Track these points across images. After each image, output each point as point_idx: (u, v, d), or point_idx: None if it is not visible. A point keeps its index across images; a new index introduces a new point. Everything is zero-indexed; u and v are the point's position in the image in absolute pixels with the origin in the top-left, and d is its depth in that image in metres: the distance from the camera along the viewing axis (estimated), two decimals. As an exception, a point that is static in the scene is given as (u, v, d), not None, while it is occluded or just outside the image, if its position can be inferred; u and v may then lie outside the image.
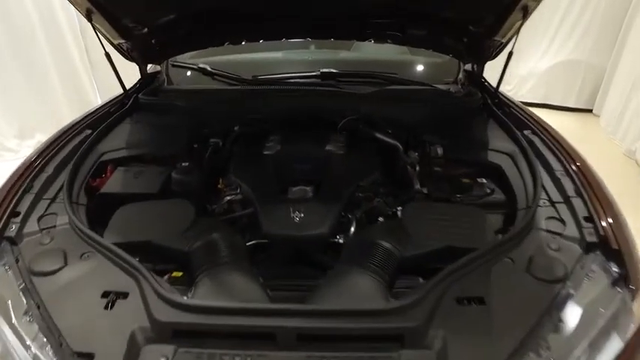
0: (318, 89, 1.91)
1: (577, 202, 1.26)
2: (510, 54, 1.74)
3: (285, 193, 1.42)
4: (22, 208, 1.27)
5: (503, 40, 1.77)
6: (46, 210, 1.29)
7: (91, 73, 4.63)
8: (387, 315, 0.95)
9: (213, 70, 2.03)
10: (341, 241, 1.34)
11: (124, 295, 1.03)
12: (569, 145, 1.49)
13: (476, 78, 2.05)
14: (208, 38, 1.91)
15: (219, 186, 1.57)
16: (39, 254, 1.14)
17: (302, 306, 0.99)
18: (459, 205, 1.41)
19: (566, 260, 1.12)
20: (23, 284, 1.07)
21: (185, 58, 2.20)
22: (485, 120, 1.81)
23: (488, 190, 1.43)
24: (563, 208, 1.27)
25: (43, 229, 1.23)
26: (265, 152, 1.62)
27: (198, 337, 0.96)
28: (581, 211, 1.23)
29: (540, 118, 1.71)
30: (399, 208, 1.38)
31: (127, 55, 1.92)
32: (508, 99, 1.92)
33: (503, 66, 1.79)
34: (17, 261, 1.13)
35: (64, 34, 4.27)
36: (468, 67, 2.15)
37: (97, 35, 1.72)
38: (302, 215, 1.28)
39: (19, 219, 1.24)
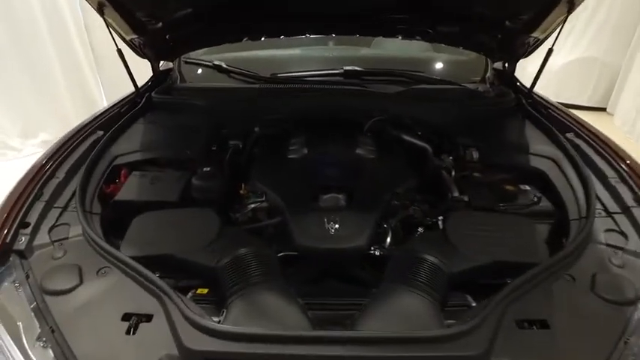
0: (343, 88, 1.81)
1: (638, 213, 1.16)
2: (550, 51, 1.64)
3: (315, 201, 1.31)
4: (32, 218, 1.17)
5: (541, 37, 1.67)
6: (57, 220, 1.19)
7: (95, 70, 4.51)
8: (444, 342, 0.85)
9: (230, 68, 1.92)
10: (377, 253, 1.23)
11: (148, 318, 0.93)
12: (621, 150, 1.38)
13: (506, 77, 1.94)
14: (226, 34, 1.79)
15: (241, 192, 1.47)
16: (51, 270, 1.04)
17: (348, 333, 0.89)
18: (505, 215, 1.30)
19: (633, 278, 1.02)
20: (35, 304, 0.97)
21: (197, 54, 2.09)
22: (521, 121, 1.71)
23: (535, 199, 1.32)
24: (622, 219, 1.17)
25: (55, 241, 1.13)
26: (290, 156, 1.51)
27: None
28: None
29: (584, 120, 1.60)
30: (440, 217, 1.28)
31: (139, 52, 1.81)
32: (544, 99, 1.81)
33: (540, 64, 1.68)
34: (27, 277, 1.03)
35: (68, 30, 4.14)
36: (497, 65, 2.04)
37: (109, 31, 1.61)
38: (337, 226, 1.18)
39: (28, 230, 1.14)
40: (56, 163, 1.35)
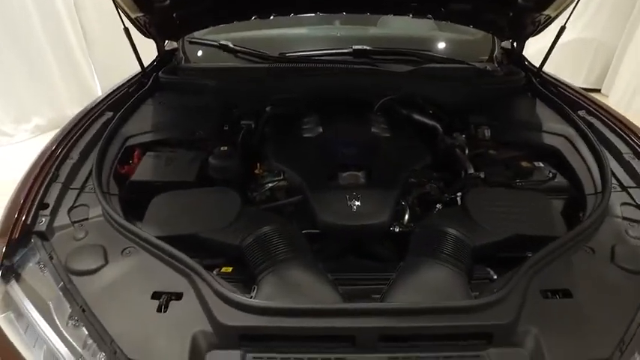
0: (354, 67, 1.79)
1: None
2: (562, 28, 1.64)
3: (334, 179, 1.31)
4: (50, 199, 1.15)
5: (553, 14, 1.66)
6: (75, 201, 1.18)
7: (87, 53, 4.41)
8: (474, 311, 0.87)
9: (237, 47, 1.89)
10: (396, 229, 1.24)
11: (178, 296, 0.93)
12: (635, 126, 1.40)
13: (515, 56, 1.94)
14: (234, 12, 1.75)
15: (256, 172, 1.46)
16: (76, 251, 1.03)
17: (383, 304, 0.91)
18: (522, 191, 1.32)
19: None
20: (62, 284, 0.97)
21: (200, 34, 2.05)
22: (532, 100, 1.72)
23: (550, 175, 1.34)
24: (638, 194, 1.20)
25: (75, 222, 1.12)
26: (306, 135, 1.51)
27: (266, 341, 0.87)
28: None
29: (595, 98, 1.62)
30: (459, 194, 1.29)
31: (144, 31, 1.77)
32: (554, 78, 1.82)
33: (552, 42, 1.69)
34: (51, 258, 1.03)
35: (59, 13, 4.03)
36: (504, 44, 2.04)
37: (117, 9, 1.56)
38: (358, 203, 1.18)
39: (48, 211, 1.12)
40: (70, 144, 1.33)
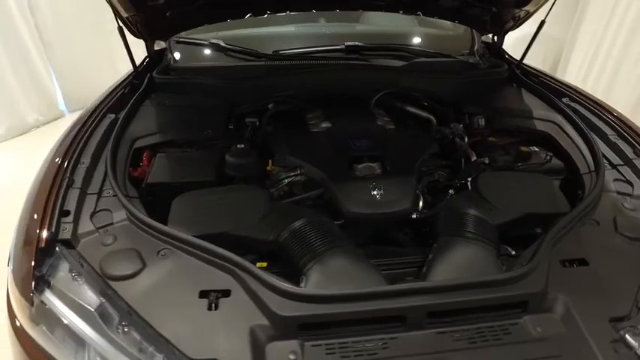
0: (350, 63, 1.84)
1: (639, 163, 1.32)
2: (542, 23, 1.76)
3: (351, 171, 1.35)
4: (70, 206, 1.11)
5: (532, 10, 1.79)
6: (95, 206, 1.14)
7: (44, 55, 4.17)
8: (511, 283, 0.94)
9: (231, 46, 1.88)
10: (413, 216, 1.30)
11: (226, 293, 0.94)
12: (615, 110, 1.54)
13: (495, 49, 2.07)
14: (229, 10, 1.75)
15: (268, 168, 1.47)
16: (109, 257, 1.00)
17: (431, 283, 0.96)
18: (525, 173, 1.42)
19: None
20: (103, 291, 0.94)
21: (185, 34, 2.01)
22: (517, 90, 1.84)
23: (548, 158, 1.45)
24: (626, 170, 1.32)
25: (100, 227, 1.09)
26: (314, 130, 1.54)
27: (322, 328, 0.90)
28: None
29: (575, 86, 1.76)
30: (469, 179, 1.37)
31: (135, 31, 1.73)
32: (534, 69, 1.95)
33: (532, 35, 1.81)
34: (82, 266, 1.00)
35: (13, 15, 3.79)
36: (483, 38, 2.16)
37: (112, 7, 1.52)
38: (382, 192, 1.23)
39: (70, 218, 1.08)
40: (79, 148, 1.28)
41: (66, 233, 1.05)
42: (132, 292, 0.94)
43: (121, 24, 1.62)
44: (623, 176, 1.31)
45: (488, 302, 0.92)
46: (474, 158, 1.49)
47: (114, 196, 1.17)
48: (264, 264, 1.13)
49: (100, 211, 1.14)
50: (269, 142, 1.57)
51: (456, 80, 1.83)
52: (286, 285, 0.91)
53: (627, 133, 1.43)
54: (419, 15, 1.90)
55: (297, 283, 0.98)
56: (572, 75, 4.92)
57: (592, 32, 4.64)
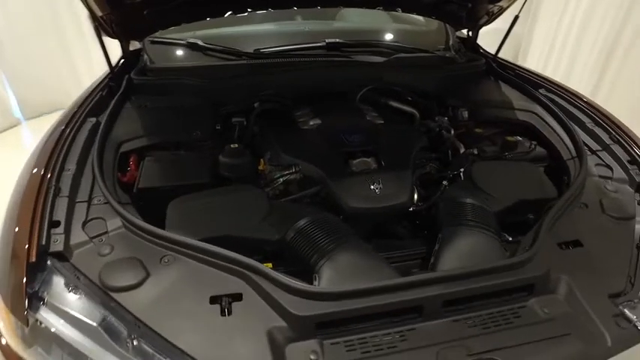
0: (333, 60, 1.84)
1: (616, 149, 1.40)
2: (516, 18, 1.83)
3: (347, 166, 1.35)
4: (59, 216, 1.05)
5: (505, 5, 1.86)
6: (87, 215, 1.09)
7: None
8: (518, 267, 0.97)
9: (210, 45, 1.83)
10: (410, 208, 1.32)
11: (237, 297, 0.92)
12: (589, 99, 1.62)
13: (470, 44, 2.13)
14: (208, 7, 1.70)
15: (260, 167, 1.45)
16: (108, 267, 0.95)
17: (444, 272, 0.97)
18: (514, 162, 1.47)
19: (626, 199, 1.25)
20: (106, 304, 0.90)
21: (161, 34, 1.95)
22: (496, 82, 1.90)
23: (532, 146, 1.51)
24: (605, 155, 1.40)
25: (94, 237, 1.03)
26: (305, 127, 1.53)
27: (340, 325, 0.89)
28: (623, 156, 1.37)
29: (550, 77, 1.84)
30: (461, 170, 1.40)
31: (110, 30, 1.65)
32: (508, 62, 2.03)
33: (507, 30, 1.88)
34: (78, 279, 0.94)
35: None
36: (457, 33, 2.22)
37: (87, 6, 1.44)
38: (380, 186, 1.24)
39: (60, 229, 1.02)
40: (62, 154, 1.21)
41: (57, 245, 0.99)
42: (137, 303, 0.90)
43: (95, 24, 1.54)
44: (603, 161, 1.39)
45: (499, 287, 0.95)
46: (462, 150, 1.53)
47: (105, 203, 1.11)
48: (270, 264, 1.11)
49: (93, 219, 1.08)
50: (257, 142, 1.55)
51: (437, 74, 1.87)
52: (301, 284, 0.90)
53: (602, 120, 1.51)
54: (398, 11, 1.92)
55: (308, 282, 0.97)
56: (532, 66, 5.16)
57: (547, 27, 4.87)
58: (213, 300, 0.91)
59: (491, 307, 0.95)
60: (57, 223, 1.03)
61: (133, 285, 0.92)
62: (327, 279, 0.98)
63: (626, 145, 1.39)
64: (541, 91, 1.75)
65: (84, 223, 1.06)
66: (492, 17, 1.95)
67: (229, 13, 1.74)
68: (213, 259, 0.96)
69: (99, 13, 1.53)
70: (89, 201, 1.12)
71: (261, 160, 1.46)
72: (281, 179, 1.35)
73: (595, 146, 1.44)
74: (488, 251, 1.07)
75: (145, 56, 1.88)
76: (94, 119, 1.41)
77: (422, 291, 0.91)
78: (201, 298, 0.91)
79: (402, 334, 0.89)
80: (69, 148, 1.25)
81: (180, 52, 1.92)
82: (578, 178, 1.26)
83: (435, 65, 1.93)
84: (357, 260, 1.02)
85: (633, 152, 1.36)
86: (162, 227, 1.09)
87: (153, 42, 1.91)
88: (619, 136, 1.42)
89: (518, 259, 0.98)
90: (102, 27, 1.60)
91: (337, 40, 1.93)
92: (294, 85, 1.76)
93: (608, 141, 1.43)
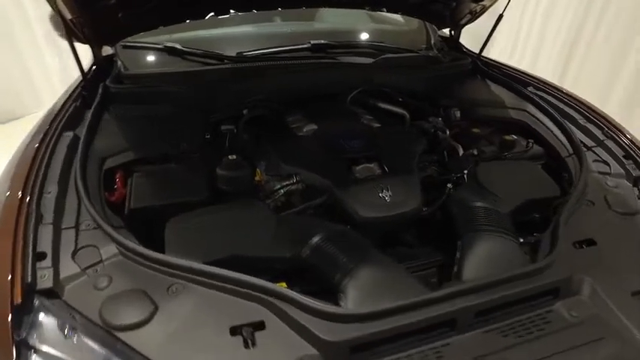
0: (321, 62, 1.77)
1: (610, 144, 1.42)
2: (500, 16, 1.84)
3: (351, 173, 1.29)
4: (45, 246, 0.93)
5: (488, 4, 1.86)
6: (76, 243, 0.97)
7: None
8: (544, 271, 0.95)
9: (190, 49, 1.72)
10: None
11: (260, 326, 0.84)
12: (577, 96, 1.65)
13: (453, 43, 2.13)
14: (188, 9, 1.59)
15: (257, 178, 1.37)
16: (110, 302, 0.85)
17: (475, 282, 0.92)
18: (516, 161, 1.47)
19: (627, 194, 1.26)
20: (111, 346, 0.79)
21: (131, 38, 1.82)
22: (483, 81, 1.90)
23: (530, 144, 1.51)
24: (600, 151, 1.42)
25: (87, 268, 0.92)
26: (301, 134, 1.46)
27: (374, 347, 0.84)
28: (618, 152, 1.39)
29: (536, 75, 1.86)
30: (465, 171, 1.38)
31: (80, 35, 1.51)
32: (493, 60, 2.04)
33: (491, 29, 1.89)
34: (74, 318, 0.83)
35: None
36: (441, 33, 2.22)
37: (55, 8, 1.30)
38: (390, 193, 1.19)
39: (47, 262, 0.90)
40: (40, 175, 1.08)
41: (46, 281, 0.87)
42: (148, 341, 0.80)
43: (65, 28, 1.40)
44: (599, 157, 1.41)
45: (529, 293, 0.93)
46: (460, 150, 1.51)
47: (96, 227, 1.00)
48: (284, 284, 1.03)
49: (83, 247, 0.96)
50: (250, 151, 1.46)
51: (426, 74, 1.85)
52: (330, 306, 0.83)
53: (594, 116, 1.53)
54: (383, 11, 1.89)
55: (329, 301, 0.90)
56: (497, 55, 5.29)
57: (511, 19, 4.99)
58: (234, 331, 0.82)
59: (519, 314, 0.93)
60: (43, 255, 0.91)
61: (141, 321, 0.82)
62: (354, 298, 0.91)
63: (619, 140, 1.41)
64: (530, 88, 1.77)
65: (74, 253, 0.95)
66: (475, 16, 1.95)
67: (211, 14, 1.65)
68: (226, 285, 0.88)
69: (68, 16, 1.40)
70: (77, 227, 1.00)
71: (257, 170, 1.38)
72: (282, 190, 1.28)
73: (590, 142, 1.46)
74: (511, 256, 1.05)
75: (119, 62, 1.74)
76: (70, 133, 1.28)
77: (454, 303, 0.87)
78: (220, 329, 0.83)
79: (437, 351, 0.84)
80: (47, 167, 1.12)
81: (156, 58, 1.80)
82: (582, 175, 1.26)
83: (423, 65, 1.91)
84: (382, 275, 0.97)
85: (627, 147, 1.38)
86: (161, 251, 0.99)
87: (125, 47, 1.77)
88: (611, 131, 1.45)
89: (545, 263, 0.96)
90: (71, 31, 1.46)
91: (323, 41, 1.87)
92: (283, 89, 1.69)
93: (601, 137, 1.45)
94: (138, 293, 0.86)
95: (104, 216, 1.04)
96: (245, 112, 1.58)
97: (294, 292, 0.85)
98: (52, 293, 0.86)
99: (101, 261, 0.94)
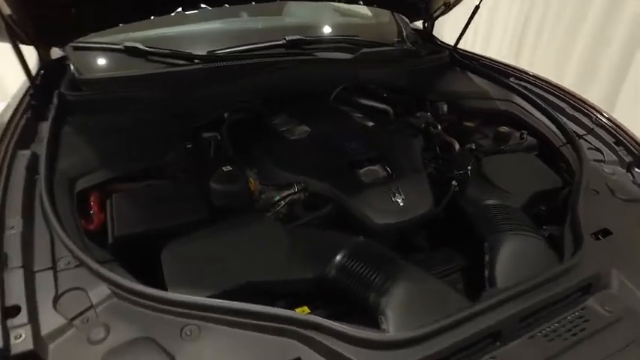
0: (300, 59, 1.66)
1: (600, 132, 1.44)
2: (477, 8, 1.82)
3: (357, 177, 1.20)
4: (16, 297, 0.76)
5: None
6: (56, 288, 0.80)
7: None
8: (577, 268, 0.92)
9: (156, 49, 1.54)
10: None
11: None
12: (561, 85, 1.66)
13: (426, 35, 2.09)
14: (152, 4, 1.42)
15: (252, 188, 1.24)
16: (113, 358, 0.70)
17: (517, 287, 0.86)
18: (516, 154, 1.44)
19: (624, 180, 1.28)
20: None
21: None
22: (463, 73, 1.88)
23: (525, 136, 1.50)
24: (591, 139, 1.43)
25: (74, 317, 0.76)
26: (294, 137, 1.34)
27: None
28: (608, 138, 1.41)
29: (515, 65, 1.86)
30: (469, 168, 1.33)
31: (22, 35, 1.29)
32: (469, 52, 2.02)
33: (467, 21, 1.87)
34: None
35: None
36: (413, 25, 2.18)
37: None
38: (402, 197, 1.12)
39: (23, 316, 0.73)
40: None
41: (23, 343, 0.70)
42: None
43: (6, 26, 1.19)
44: (592, 144, 1.42)
45: (567, 292, 0.89)
46: (457, 146, 1.47)
47: (78, 265, 0.83)
48: (306, 308, 0.92)
49: (66, 292, 0.80)
50: (236, 158, 1.33)
51: (407, 68, 1.80)
52: (376, 334, 0.74)
53: (580, 105, 1.55)
54: (360, 4, 1.81)
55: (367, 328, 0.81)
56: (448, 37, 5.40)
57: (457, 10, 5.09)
58: None
59: (555, 315, 0.89)
60: (15, 310, 0.74)
61: None
62: (396, 319, 0.82)
63: (608, 127, 1.43)
64: (511, 79, 1.76)
65: (55, 300, 0.78)
66: (449, 7, 1.93)
67: (179, 9, 1.48)
68: (251, 321, 0.76)
69: (6, 12, 1.18)
70: (54, 267, 0.83)
71: (250, 180, 1.25)
72: (282, 201, 1.16)
73: (580, 131, 1.47)
74: (541, 255, 1.01)
75: (72, 66, 1.52)
76: (27, 152, 1.08)
77: (499, 313, 0.81)
78: None
79: None
80: (4, 196, 0.93)
81: (115, 60, 1.59)
82: (583, 164, 1.26)
83: (402, 59, 1.85)
84: (420, 289, 0.89)
85: (616, 134, 1.40)
86: (157, 285, 0.84)
87: (77, 48, 1.56)
88: (599, 119, 1.46)
89: (577, 260, 0.92)
90: (12, 31, 1.24)
91: (298, 36, 1.76)
92: (262, 89, 1.56)
93: (590, 125, 1.47)
94: (146, 343, 0.72)
95: (85, 249, 0.88)
96: (226, 115, 1.44)
97: (332, 322, 0.75)
98: (33, 357, 0.69)
99: (92, 307, 0.78)
